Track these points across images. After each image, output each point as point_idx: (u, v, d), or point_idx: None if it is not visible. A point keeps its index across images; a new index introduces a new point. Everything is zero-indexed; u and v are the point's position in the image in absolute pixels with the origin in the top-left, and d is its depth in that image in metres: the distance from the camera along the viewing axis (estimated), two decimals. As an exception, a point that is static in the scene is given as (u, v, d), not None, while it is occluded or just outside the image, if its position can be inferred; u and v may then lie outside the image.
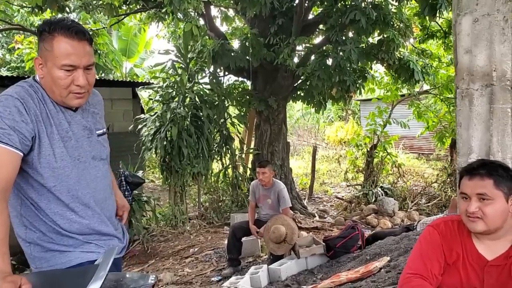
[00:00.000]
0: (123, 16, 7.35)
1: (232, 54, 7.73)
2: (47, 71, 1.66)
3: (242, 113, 8.64)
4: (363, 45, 7.48)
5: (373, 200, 8.02)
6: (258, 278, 4.48)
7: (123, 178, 6.54)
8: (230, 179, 8.44)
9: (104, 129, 1.91)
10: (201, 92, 7.56)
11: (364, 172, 9.08)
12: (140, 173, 6.93)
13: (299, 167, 13.87)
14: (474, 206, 1.73)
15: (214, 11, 11.16)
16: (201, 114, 7.29)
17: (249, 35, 7.71)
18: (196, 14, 7.14)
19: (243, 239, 5.66)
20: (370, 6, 6.69)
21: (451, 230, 1.91)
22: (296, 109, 22.27)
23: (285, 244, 4.97)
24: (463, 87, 2.27)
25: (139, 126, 7.38)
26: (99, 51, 10.71)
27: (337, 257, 4.90)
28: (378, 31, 7.41)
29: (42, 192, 1.69)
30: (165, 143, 7.03)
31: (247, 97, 8.65)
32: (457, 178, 1.93)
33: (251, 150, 9.12)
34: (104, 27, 7.83)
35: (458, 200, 1.87)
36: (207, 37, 8.26)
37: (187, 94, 7.35)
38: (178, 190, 7.59)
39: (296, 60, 8.11)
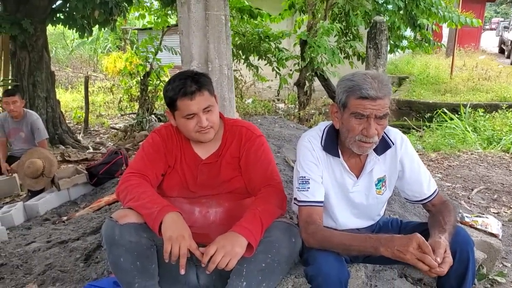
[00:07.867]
0: None
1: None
2: None
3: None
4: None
5: (147, 127, 8.01)
6: (11, 217, 4.08)
7: None
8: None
9: None
10: None
11: (138, 100, 8.94)
12: None
13: (74, 100, 12.93)
14: (204, 119, 1.79)
15: None
16: None
17: None
18: None
19: (-4, 178, 5.06)
20: None
21: (171, 134, 1.99)
22: (70, 39, 20.40)
23: (43, 178, 4.62)
24: (181, -7, 2.26)
25: None
26: None
27: (101, 184, 4.79)
28: None
29: None
30: None
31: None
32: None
33: (10, 82, 8.00)
34: None
35: (183, 121, 1.86)
36: None
37: None
38: None
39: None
